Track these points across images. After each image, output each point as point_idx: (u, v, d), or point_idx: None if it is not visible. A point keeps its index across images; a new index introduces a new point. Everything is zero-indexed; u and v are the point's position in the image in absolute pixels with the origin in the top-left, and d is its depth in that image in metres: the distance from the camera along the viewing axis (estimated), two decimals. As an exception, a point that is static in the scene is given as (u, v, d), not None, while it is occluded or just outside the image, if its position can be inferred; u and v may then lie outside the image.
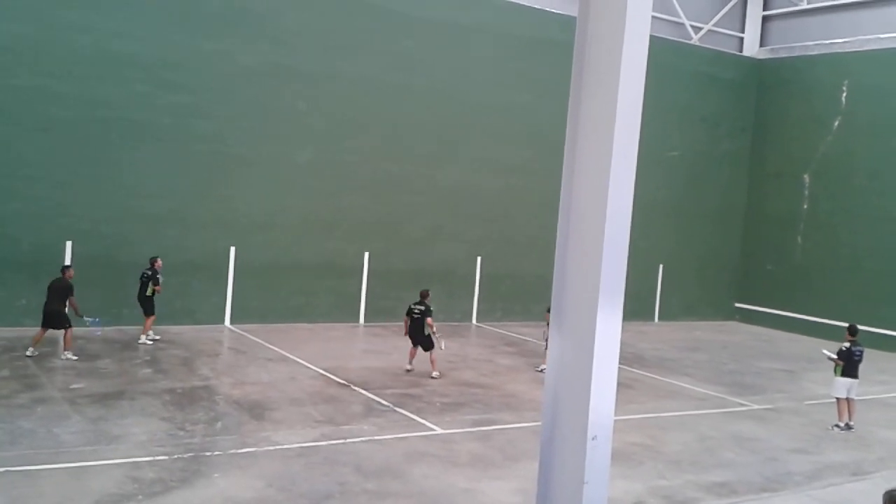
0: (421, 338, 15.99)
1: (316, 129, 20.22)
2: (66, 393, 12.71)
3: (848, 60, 25.13)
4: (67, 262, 17.33)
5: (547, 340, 16.76)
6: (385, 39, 20.93)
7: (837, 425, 14.18)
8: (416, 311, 16.02)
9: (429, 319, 15.90)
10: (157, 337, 16.95)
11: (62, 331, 15.04)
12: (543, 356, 16.66)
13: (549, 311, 16.85)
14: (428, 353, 15.97)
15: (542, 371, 15.95)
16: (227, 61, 19.00)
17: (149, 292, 16.70)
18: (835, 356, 14.27)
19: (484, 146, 22.55)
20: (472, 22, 22.10)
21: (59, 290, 15.19)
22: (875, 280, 23.87)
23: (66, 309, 15.17)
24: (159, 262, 16.95)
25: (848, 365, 14.12)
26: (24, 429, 10.81)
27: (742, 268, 27.79)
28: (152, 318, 16.84)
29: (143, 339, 16.68)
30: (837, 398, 14.27)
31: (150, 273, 16.79)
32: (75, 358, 14.91)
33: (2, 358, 14.60)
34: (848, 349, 14.19)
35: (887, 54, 24.14)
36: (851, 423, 14.20)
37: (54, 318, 15.07)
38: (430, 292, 16.59)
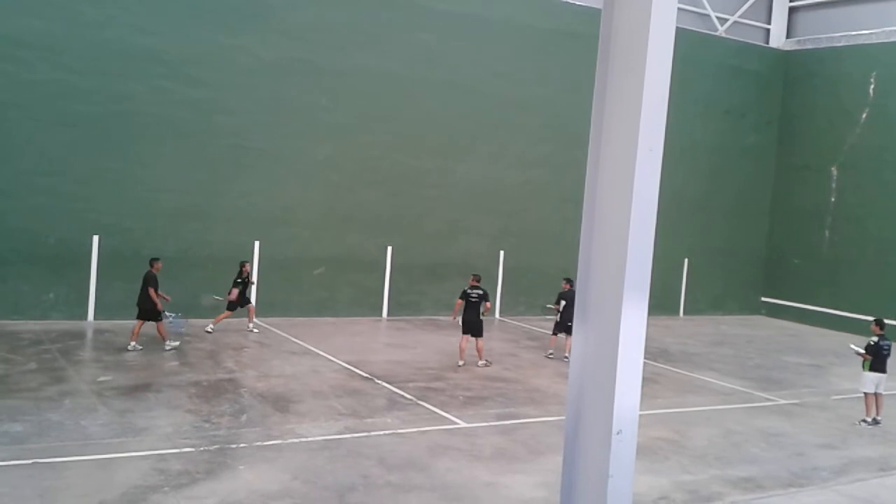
0: (475, 322, 16.07)
1: (336, 123, 20.25)
2: (94, 385, 12.84)
3: (876, 52, 24.80)
4: (95, 256, 17.58)
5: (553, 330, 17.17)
6: (404, 33, 20.92)
7: (865, 420, 14.03)
8: (473, 294, 16.12)
9: (487, 304, 16.13)
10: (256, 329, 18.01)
11: (156, 323, 15.60)
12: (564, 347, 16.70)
13: (556, 302, 17.00)
14: (475, 341, 16.12)
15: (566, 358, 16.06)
16: (247, 56, 19.08)
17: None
18: (862, 351, 14.12)
19: (504, 140, 22.51)
20: (492, 14, 22.02)
21: (143, 282, 15.62)
22: (903, 274, 23.59)
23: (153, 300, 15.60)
24: (247, 266, 17.92)
25: (876, 360, 13.97)
26: (52, 421, 10.93)
27: (768, 262, 27.55)
28: (250, 308, 18.18)
29: (249, 326, 18.04)
30: (865, 393, 14.12)
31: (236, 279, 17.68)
32: (176, 344, 15.63)
33: (29, 351, 14.76)
34: (876, 343, 14.04)
35: (917, 45, 23.81)
36: (879, 417, 14.05)
37: (143, 310, 15.54)
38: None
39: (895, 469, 11.79)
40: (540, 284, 22.68)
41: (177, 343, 15.68)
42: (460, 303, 16.23)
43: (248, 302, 18.10)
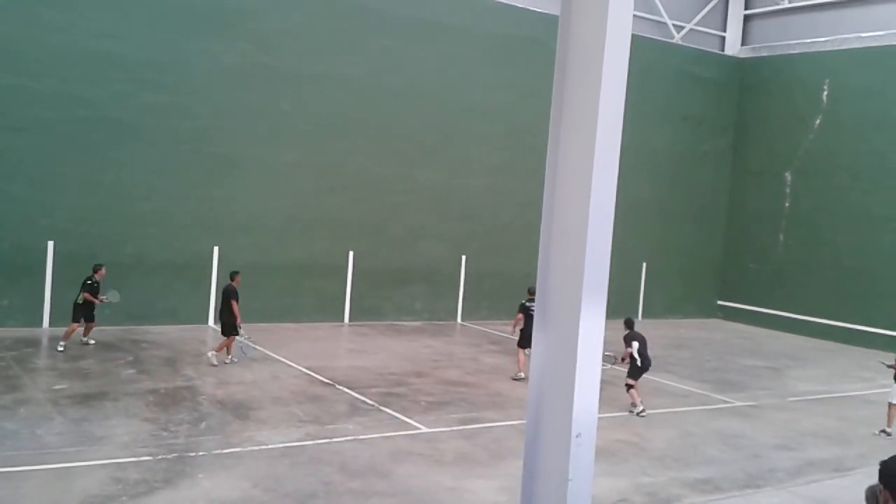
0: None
1: (300, 129, 20.18)
2: (49, 394, 12.63)
3: (829, 59, 25.32)
4: (50, 262, 17.30)
5: None
6: (368, 39, 20.91)
7: (885, 430, 13.96)
8: (532, 308, 15.77)
9: None
10: (62, 348, 15.59)
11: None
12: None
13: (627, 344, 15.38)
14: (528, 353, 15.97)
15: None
16: (209, 61, 18.93)
17: (78, 300, 15.85)
18: (892, 363, 14.12)
19: (467, 146, 22.59)
20: (455, 21, 22.11)
21: (224, 296, 15.71)
22: (855, 277, 24.06)
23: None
24: (102, 271, 16.09)
25: None
26: (7, 430, 10.74)
27: (724, 266, 27.96)
28: (74, 325, 15.89)
29: (84, 339, 16.17)
30: (890, 403, 14.03)
31: (86, 280, 15.97)
32: (236, 360, 15.47)
33: (-17, 359, 14.48)
34: None
35: (868, 53, 24.33)
36: (889, 429, 13.98)
37: (226, 324, 15.62)
38: None
39: (850, 470, 12.02)
40: (502, 289, 22.79)
41: (237, 360, 15.54)
42: (521, 317, 16.10)
43: (92, 318, 16.11)
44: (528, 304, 15.90)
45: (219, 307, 16.04)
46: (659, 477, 10.99)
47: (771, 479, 11.33)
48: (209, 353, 15.56)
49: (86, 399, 12.48)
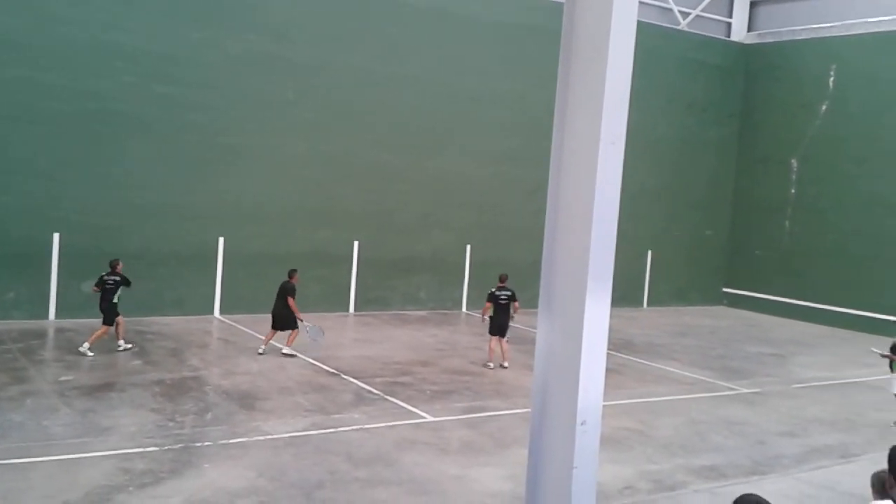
0: (505, 324, 15.84)
1: (306, 119, 20.13)
2: (55, 385, 12.67)
3: (835, 45, 25.18)
4: (56, 254, 17.31)
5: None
6: (374, 28, 20.84)
7: None
8: (502, 296, 15.79)
9: (516, 304, 15.81)
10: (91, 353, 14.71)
11: (288, 331, 15.77)
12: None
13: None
14: (501, 342, 15.95)
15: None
16: (216, 51, 18.88)
17: (114, 299, 14.98)
18: (887, 353, 13.86)
19: (473, 134, 22.52)
20: (461, 10, 22.02)
21: (281, 292, 15.83)
22: (861, 264, 23.98)
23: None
24: (119, 266, 15.20)
25: None
26: (14, 421, 10.78)
27: (730, 253, 27.90)
28: (119, 322, 15.24)
29: (119, 343, 15.20)
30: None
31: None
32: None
33: (-10, 351, 14.52)
34: None
35: (875, 38, 24.18)
36: None
37: (279, 319, 15.80)
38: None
39: (855, 456, 12.01)
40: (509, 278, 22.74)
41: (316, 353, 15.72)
42: (489, 305, 15.93)
43: (118, 314, 15.10)
44: (497, 292, 15.92)
45: (274, 303, 15.94)
46: (664, 464, 11.00)
47: (776, 466, 11.33)
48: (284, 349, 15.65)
49: (92, 390, 12.52)
